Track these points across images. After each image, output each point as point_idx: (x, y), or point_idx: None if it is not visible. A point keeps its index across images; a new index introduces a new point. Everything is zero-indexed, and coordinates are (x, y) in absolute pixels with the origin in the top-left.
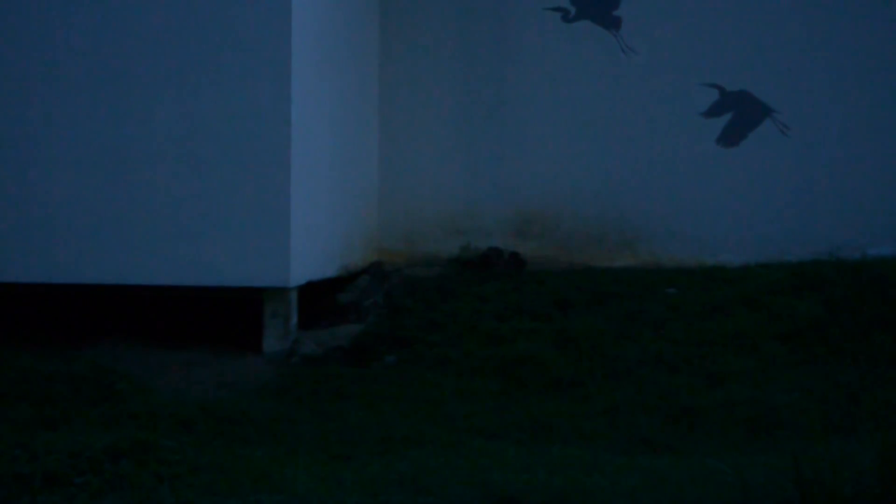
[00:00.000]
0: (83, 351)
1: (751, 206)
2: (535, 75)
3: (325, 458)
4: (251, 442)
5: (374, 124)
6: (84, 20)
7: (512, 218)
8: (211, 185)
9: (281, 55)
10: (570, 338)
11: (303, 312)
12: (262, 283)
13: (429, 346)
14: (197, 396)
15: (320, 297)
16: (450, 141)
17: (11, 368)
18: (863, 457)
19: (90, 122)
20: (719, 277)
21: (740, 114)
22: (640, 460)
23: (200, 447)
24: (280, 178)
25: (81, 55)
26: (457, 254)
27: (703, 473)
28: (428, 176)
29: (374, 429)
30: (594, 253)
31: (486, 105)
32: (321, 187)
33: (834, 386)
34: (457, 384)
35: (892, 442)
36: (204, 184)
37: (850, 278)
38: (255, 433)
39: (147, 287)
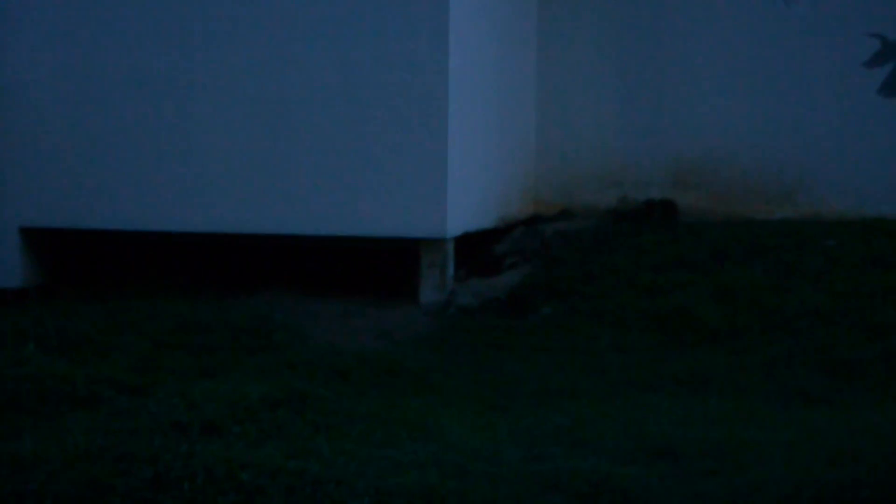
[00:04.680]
0: (241, 300)
1: None
2: (694, 26)
3: (481, 408)
4: (407, 392)
5: (532, 76)
6: None
7: (669, 169)
8: (368, 136)
9: (439, 6)
10: (727, 290)
11: (459, 263)
12: (418, 234)
13: (585, 298)
14: (353, 346)
15: (477, 248)
16: (607, 92)
17: (171, 318)
18: None
19: (249, 70)
20: (880, 229)
21: None
22: (798, 413)
23: (357, 397)
24: (437, 128)
25: (241, 5)
26: (613, 205)
27: (861, 426)
28: (585, 128)
29: (530, 380)
30: (753, 205)
31: (644, 57)
32: (478, 138)
33: None
34: (613, 336)
35: None
36: (361, 134)
37: None
38: (411, 383)
39: (304, 237)
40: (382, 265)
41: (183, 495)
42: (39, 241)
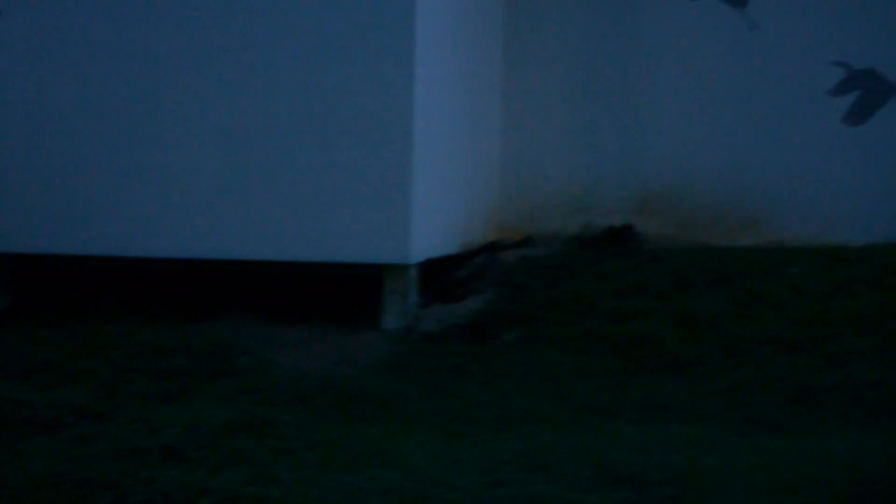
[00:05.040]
0: (204, 326)
1: (876, 185)
2: (660, 53)
3: (442, 435)
4: (368, 418)
5: (497, 101)
6: None
7: (634, 196)
8: (333, 162)
9: (405, 32)
10: (689, 317)
11: (422, 289)
12: (381, 260)
13: (547, 325)
14: (316, 372)
15: (440, 274)
16: (572, 119)
17: (133, 343)
18: None
19: (214, 96)
20: (842, 257)
21: (867, 92)
22: (759, 440)
23: (318, 422)
24: (402, 154)
25: (209, 31)
26: (577, 232)
27: (821, 454)
28: (550, 154)
29: (492, 406)
30: (716, 231)
31: (610, 83)
32: (443, 164)
33: None
34: (575, 362)
35: None
36: (326, 160)
37: None
38: (372, 409)
39: (267, 263)
40: (346, 291)
41: None
42: (3, 266)
